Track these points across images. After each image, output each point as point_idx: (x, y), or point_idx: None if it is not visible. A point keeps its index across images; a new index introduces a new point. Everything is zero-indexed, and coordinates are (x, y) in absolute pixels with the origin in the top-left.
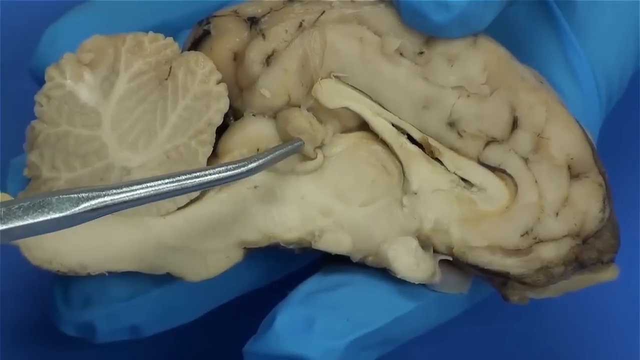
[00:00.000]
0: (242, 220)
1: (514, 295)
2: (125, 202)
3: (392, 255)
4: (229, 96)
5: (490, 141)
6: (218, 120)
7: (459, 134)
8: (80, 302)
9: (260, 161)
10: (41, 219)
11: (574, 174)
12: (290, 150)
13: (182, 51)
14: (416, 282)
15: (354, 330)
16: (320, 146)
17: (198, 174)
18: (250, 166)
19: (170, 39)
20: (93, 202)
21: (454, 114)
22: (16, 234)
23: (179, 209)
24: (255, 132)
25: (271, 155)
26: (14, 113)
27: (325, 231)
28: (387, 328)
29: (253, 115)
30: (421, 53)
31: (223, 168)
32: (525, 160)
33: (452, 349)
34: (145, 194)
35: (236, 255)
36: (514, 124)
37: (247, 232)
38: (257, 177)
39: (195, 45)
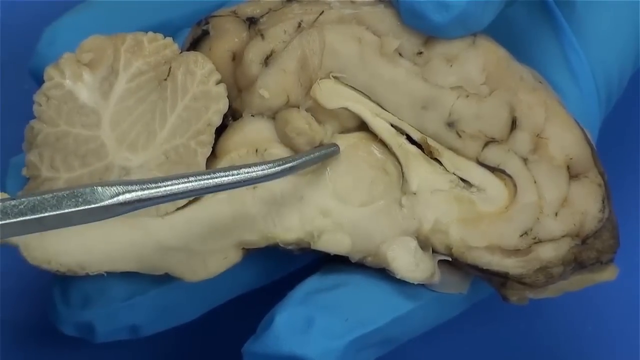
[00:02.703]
0: (241, 220)
1: (513, 295)
2: (160, 197)
3: (391, 255)
4: (228, 97)
5: (490, 141)
6: (217, 120)
7: (458, 134)
8: (79, 301)
9: (295, 162)
10: (74, 209)
11: (573, 174)
12: (325, 155)
13: (181, 51)
14: (415, 283)
15: (353, 330)
16: (319, 147)
17: (234, 172)
18: (284, 166)
19: (169, 39)
20: (127, 195)
21: (453, 114)
22: (50, 224)
23: (177, 209)
24: (254, 132)
25: (306, 158)
26: (14, 113)
27: (324, 232)
28: (386, 328)
29: (252, 115)
30: (420, 53)
31: (259, 167)
32: (525, 160)
33: (451, 349)
34: (178, 190)
35: (235, 256)
36: (513, 124)
37: (246, 232)
38: None
39: (194, 45)
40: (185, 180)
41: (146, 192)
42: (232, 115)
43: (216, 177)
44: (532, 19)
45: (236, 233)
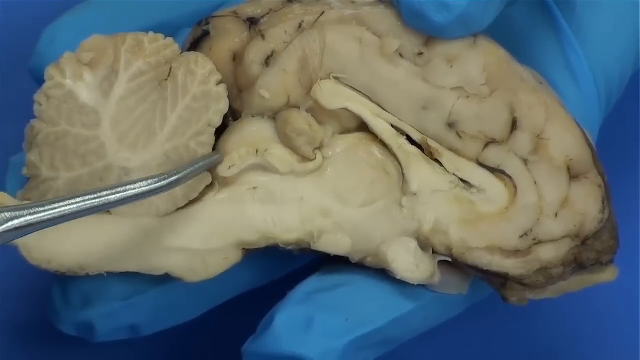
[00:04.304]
0: (241, 221)
1: (513, 296)
2: (49, 220)
3: (391, 256)
4: (228, 97)
5: (490, 142)
6: (218, 121)
7: (458, 135)
8: (79, 301)
9: (180, 175)
10: None
11: (573, 175)
12: (209, 164)
13: (181, 51)
14: (415, 283)
15: (353, 331)
16: (320, 147)
17: (120, 189)
18: (170, 180)
19: (170, 39)
20: (16, 221)
21: (454, 115)
22: None
23: (178, 209)
24: (254, 133)
25: (190, 169)
26: (14, 113)
27: (325, 232)
28: (386, 328)
29: (252, 116)
30: (421, 54)
31: (144, 183)
32: (525, 161)
33: (451, 349)
34: (68, 211)
35: (235, 256)
36: (514, 125)
37: (246, 233)
38: (257, 179)
39: (195, 45)
40: (73, 201)
41: (35, 216)
42: (233, 116)
43: (103, 197)
44: (532, 19)
45: (236, 233)
